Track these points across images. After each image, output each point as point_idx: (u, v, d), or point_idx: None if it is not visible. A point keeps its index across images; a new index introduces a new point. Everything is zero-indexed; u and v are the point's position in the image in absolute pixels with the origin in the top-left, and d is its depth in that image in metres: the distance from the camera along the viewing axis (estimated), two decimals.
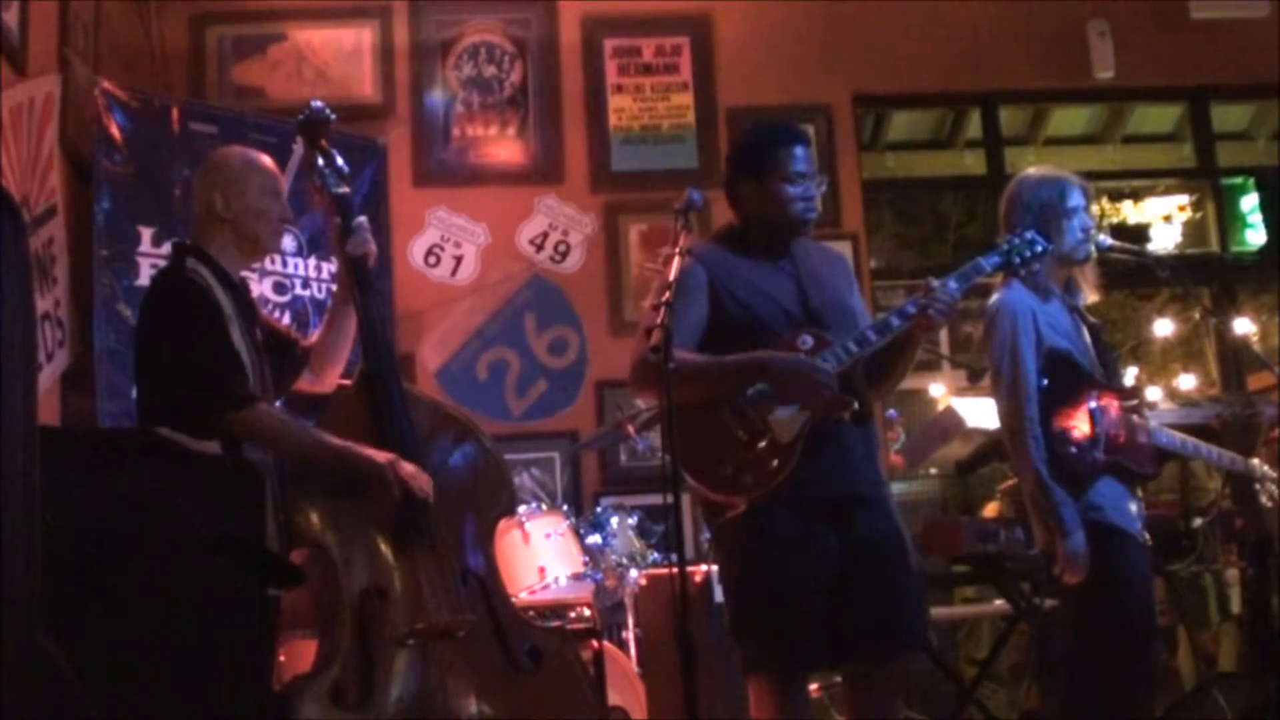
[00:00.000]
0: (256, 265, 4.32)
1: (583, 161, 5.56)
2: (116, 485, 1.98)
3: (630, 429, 4.30)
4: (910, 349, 2.89)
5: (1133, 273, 4.84)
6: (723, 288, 2.87)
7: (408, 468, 2.75)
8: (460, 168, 5.51)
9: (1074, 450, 3.07)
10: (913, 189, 7.76)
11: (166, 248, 4.35)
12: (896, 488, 6.62)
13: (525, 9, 5.63)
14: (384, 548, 2.76)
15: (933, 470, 7.03)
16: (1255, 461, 3.62)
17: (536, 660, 2.81)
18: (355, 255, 2.97)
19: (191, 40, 5.37)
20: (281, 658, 3.05)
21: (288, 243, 4.68)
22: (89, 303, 4.29)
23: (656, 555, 4.25)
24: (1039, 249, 3.02)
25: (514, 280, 5.45)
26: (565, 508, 4.39)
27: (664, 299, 2.57)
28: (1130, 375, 7.58)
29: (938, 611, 4.98)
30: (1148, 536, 3.27)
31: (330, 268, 4.76)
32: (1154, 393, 6.93)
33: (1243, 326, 6.24)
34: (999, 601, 4.75)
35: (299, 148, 3.18)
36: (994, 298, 3.31)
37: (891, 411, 6.29)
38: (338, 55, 5.49)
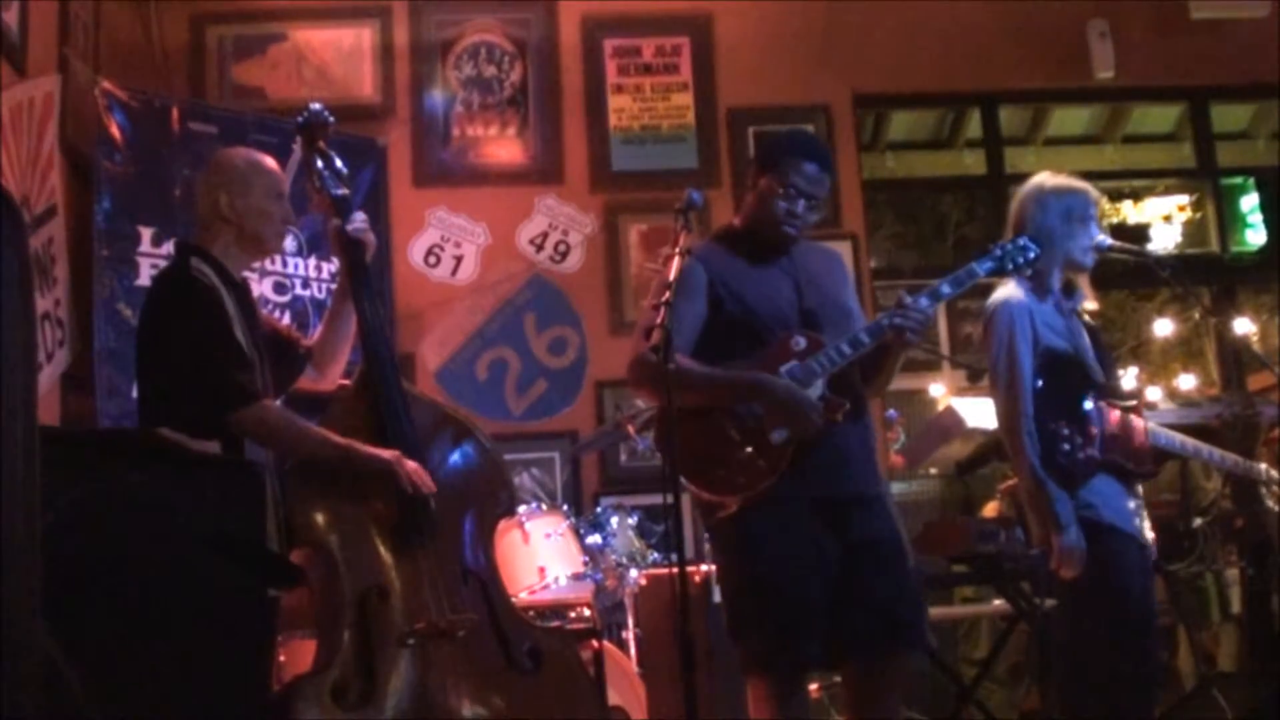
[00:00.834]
0: (256, 265, 4.32)
1: (583, 161, 5.56)
2: (116, 485, 1.98)
3: (630, 429, 4.30)
4: (892, 357, 2.92)
5: (1133, 273, 4.85)
6: (722, 287, 2.88)
7: (412, 464, 2.76)
8: (460, 168, 5.51)
9: (1067, 447, 3.09)
10: (913, 189, 7.76)
11: (166, 248, 4.36)
12: (896, 488, 6.63)
13: (525, 9, 5.63)
14: (384, 548, 2.76)
15: (933, 470, 7.03)
16: (1263, 466, 3.62)
17: (536, 660, 2.82)
18: (355, 240, 2.97)
19: (191, 40, 5.37)
20: (281, 658, 3.05)
21: (288, 243, 4.67)
22: (89, 303, 4.29)
23: (656, 555, 4.25)
24: (1031, 254, 3.05)
25: (514, 280, 5.45)
26: (565, 508, 4.39)
27: (664, 299, 2.58)
28: (1130, 375, 7.59)
29: (937, 611, 4.99)
30: (1148, 535, 3.28)
31: (330, 268, 4.76)
32: (1154, 393, 6.93)
33: (1243, 326, 6.24)
34: (998, 601, 4.76)
35: (298, 149, 3.18)
36: (993, 297, 3.34)
37: (891, 411, 6.29)
38: (338, 55, 5.49)
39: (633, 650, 4.14)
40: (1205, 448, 3.46)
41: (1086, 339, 3.34)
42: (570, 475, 5.29)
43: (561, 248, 5.49)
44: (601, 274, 5.48)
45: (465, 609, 2.75)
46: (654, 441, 3.43)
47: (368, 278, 3.00)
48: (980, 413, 4.67)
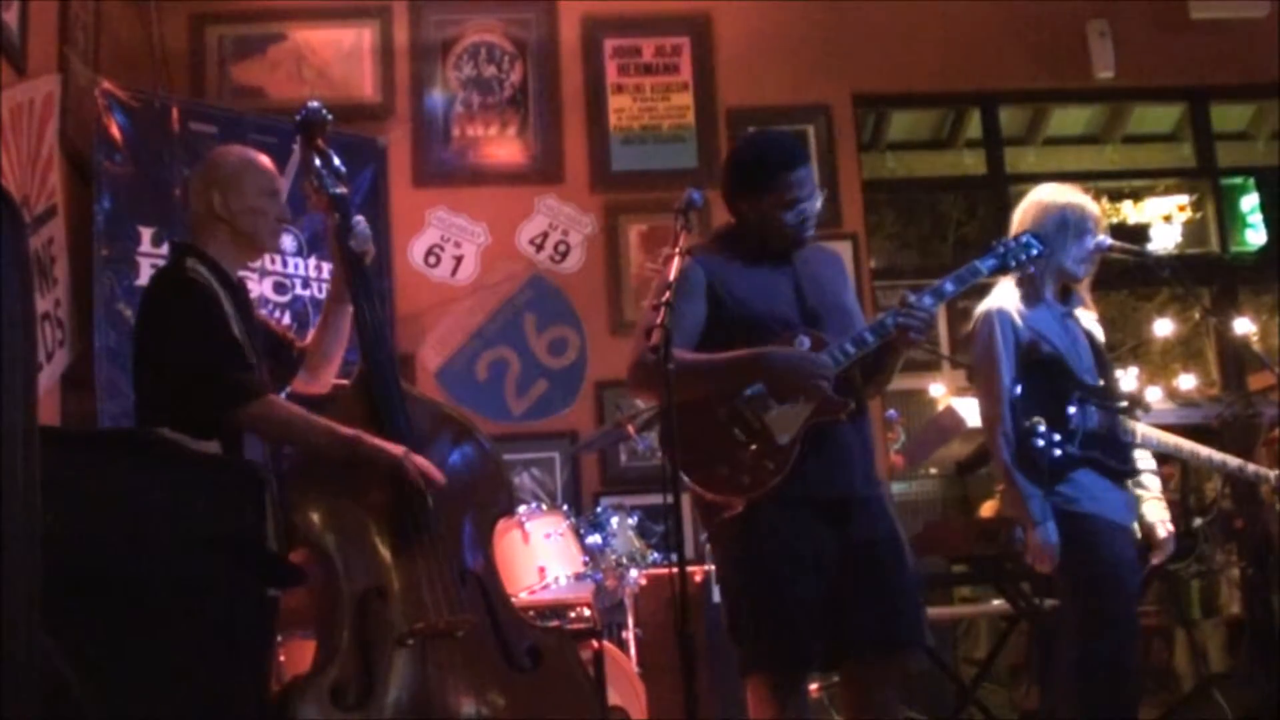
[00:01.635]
0: (256, 265, 4.33)
1: (583, 161, 5.56)
2: (116, 485, 1.98)
3: (630, 429, 4.30)
4: (894, 356, 2.92)
5: (1133, 273, 4.85)
6: (722, 287, 2.87)
7: (421, 459, 2.76)
8: (460, 168, 5.51)
9: (1041, 444, 3.15)
10: (913, 189, 7.77)
11: (166, 248, 4.36)
12: (896, 488, 6.64)
13: (525, 9, 5.63)
14: (383, 548, 2.76)
15: (933, 470, 7.04)
16: (1251, 466, 3.63)
17: (536, 660, 2.82)
18: (356, 252, 2.97)
19: (191, 40, 5.37)
20: (281, 658, 3.05)
21: (288, 243, 4.68)
22: (89, 303, 4.29)
23: (656, 555, 4.25)
24: (1034, 252, 3.06)
25: (514, 280, 5.45)
26: (565, 508, 4.39)
27: (664, 299, 2.58)
28: (1130, 375, 7.59)
29: (937, 611, 4.99)
30: (1168, 524, 3.37)
31: (330, 267, 4.76)
32: (1154, 393, 6.93)
33: (1243, 326, 6.24)
34: (998, 601, 4.76)
35: (297, 148, 3.17)
36: (982, 303, 3.44)
37: (891, 411, 6.29)
38: (338, 55, 5.49)
39: (633, 650, 4.14)
40: (1202, 450, 3.48)
41: (1083, 342, 3.37)
42: (570, 475, 5.29)
43: (561, 248, 5.49)
44: (601, 274, 5.48)
45: (464, 609, 2.75)
46: (657, 441, 3.43)
47: (366, 277, 3.00)
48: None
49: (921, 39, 5.76)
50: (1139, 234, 7.45)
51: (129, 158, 4.44)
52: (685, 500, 2.84)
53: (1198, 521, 4.52)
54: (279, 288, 4.77)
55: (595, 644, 3.53)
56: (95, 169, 4.36)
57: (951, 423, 5.00)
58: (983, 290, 3.45)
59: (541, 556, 4.04)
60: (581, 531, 4.21)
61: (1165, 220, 7.87)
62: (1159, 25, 5.92)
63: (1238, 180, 6.74)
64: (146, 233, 4.44)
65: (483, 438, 3.05)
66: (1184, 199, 7.72)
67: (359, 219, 3.03)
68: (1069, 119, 7.12)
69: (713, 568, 3.88)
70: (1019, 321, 3.31)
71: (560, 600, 3.98)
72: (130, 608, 1.92)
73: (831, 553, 2.77)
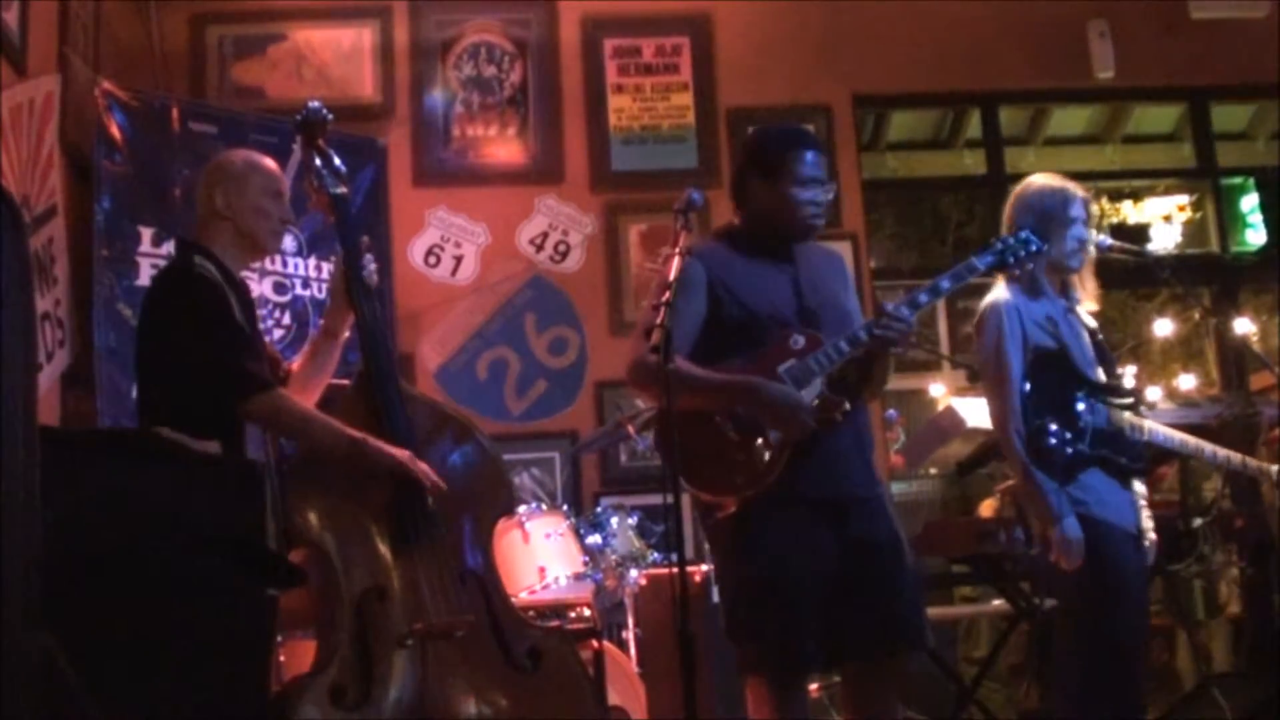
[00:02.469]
0: (256, 265, 4.32)
1: (583, 161, 5.57)
2: (116, 485, 1.98)
3: (630, 429, 4.30)
4: (882, 361, 2.92)
5: (1133, 273, 4.84)
6: (721, 285, 2.88)
7: (424, 466, 2.76)
8: (460, 168, 5.51)
9: (1054, 442, 3.12)
10: (913, 189, 7.76)
11: (166, 248, 4.36)
12: (896, 488, 6.63)
13: (525, 9, 5.63)
14: (383, 548, 2.76)
15: (933, 470, 7.03)
16: (1255, 463, 3.61)
17: (536, 660, 2.81)
18: (368, 280, 2.97)
19: (191, 40, 5.37)
20: (281, 658, 3.05)
21: (288, 243, 4.67)
22: (89, 303, 4.29)
23: (656, 555, 4.25)
24: (1033, 248, 3.06)
25: (514, 280, 5.45)
26: (565, 508, 4.39)
27: (664, 298, 2.58)
28: (1130, 375, 7.58)
29: (937, 611, 4.98)
30: (1151, 531, 3.29)
31: (330, 267, 4.75)
32: (1154, 393, 6.93)
33: (1243, 326, 6.24)
34: (998, 601, 4.76)
35: (297, 148, 3.17)
36: (985, 299, 3.38)
37: (891, 411, 6.30)
38: (338, 55, 5.49)
39: (633, 650, 4.14)
40: (1207, 446, 3.46)
41: (1085, 338, 3.35)
42: (570, 475, 5.29)
43: (561, 248, 5.49)
44: (601, 274, 5.49)
45: (464, 609, 2.75)
46: (654, 442, 3.43)
47: (369, 284, 3.00)
48: (980, 413, 4.66)
49: (921, 39, 5.76)
50: (1139, 234, 7.43)
51: (129, 158, 4.44)
52: (685, 500, 2.84)
53: (1198, 521, 4.52)
54: (279, 288, 4.77)
55: (595, 644, 3.54)
56: (95, 169, 4.36)
57: (951, 423, 4.99)
58: (982, 289, 3.44)
59: (541, 556, 4.04)
60: (581, 531, 4.21)
61: (1165, 220, 7.86)
62: (1159, 25, 5.92)
63: (1238, 180, 6.73)
64: (146, 233, 4.44)
65: (483, 438, 3.05)
66: (1184, 199, 7.72)
67: (370, 262, 3.01)
68: (1069, 119, 7.11)
69: (712, 567, 3.88)
70: (1024, 316, 3.26)
71: (560, 600, 3.98)
72: (130, 607, 1.92)
73: (831, 553, 2.77)
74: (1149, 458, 3.37)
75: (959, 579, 4.98)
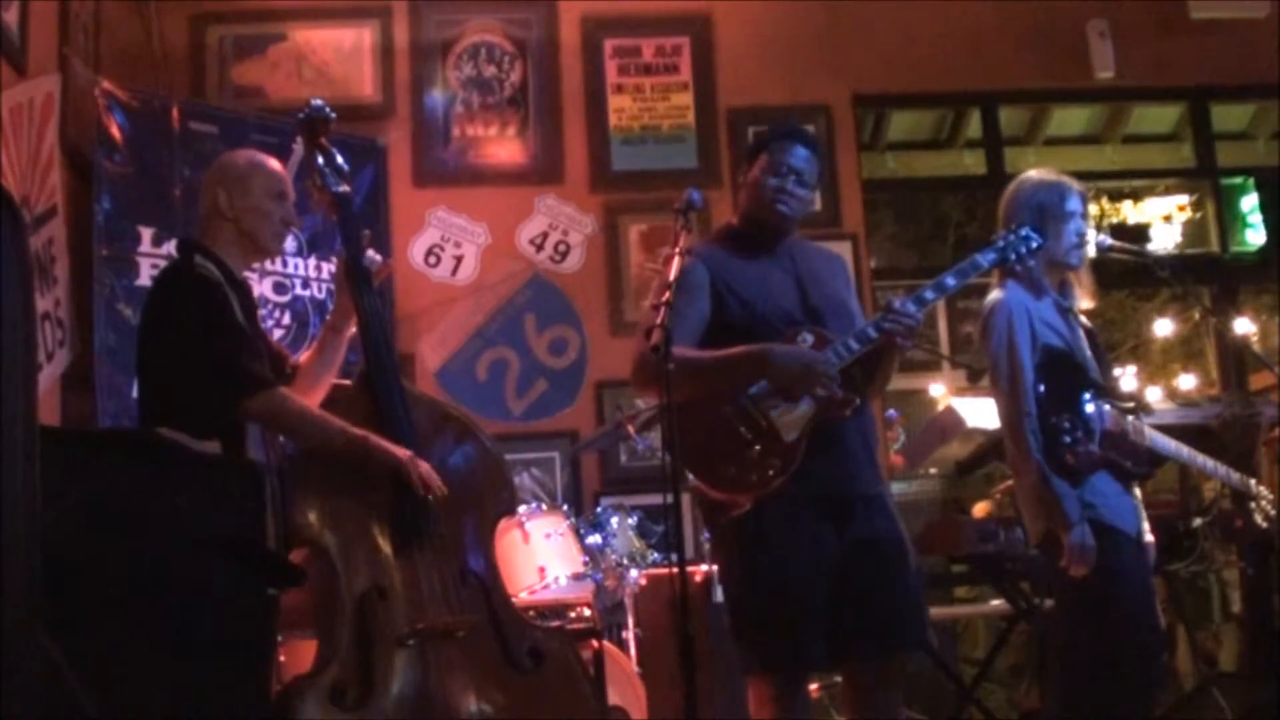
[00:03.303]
0: (256, 265, 4.32)
1: (583, 161, 5.56)
2: (116, 485, 1.98)
3: (630, 429, 4.30)
4: (888, 358, 2.92)
5: (1133, 273, 4.85)
6: (724, 286, 2.88)
7: (425, 465, 2.76)
8: (460, 168, 5.51)
9: (1069, 440, 3.07)
10: (913, 189, 7.75)
11: (166, 248, 4.36)
12: (896, 488, 6.62)
13: (525, 9, 5.63)
14: (384, 547, 2.76)
15: (933, 470, 7.02)
16: (1252, 482, 3.60)
17: (536, 660, 2.81)
18: (366, 272, 2.97)
19: (191, 40, 5.36)
20: (281, 658, 3.05)
21: (288, 243, 4.66)
22: (89, 303, 4.29)
23: (656, 555, 4.25)
24: (1034, 244, 3.05)
25: (514, 280, 5.45)
26: (565, 508, 4.39)
27: (664, 298, 2.58)
28: (1130, 375, 7.58)
29: (937, 611, 4.99)
30: (1149, 533, 3.27)
31: (330, 267, 4.76)
32: (1154, 393, 6.92)
33: (1243, 326, 6.24)
34: (998, 601, 4.76)
35: (299, 147, 3.18)
36: (990, 296, 3.32)
37: (891, 411, 6.28)
38: (338, 55, 5.49)
39: (633, 650, 4.14)
40: (1200, 457, 3.42)
41: (1083, 338, 3.33)
42: (570, 475, 5.29)
43: (561, 248, 5.49)
44: (601, 274, 5.49)
45: (465, 609, 2.75)
46: (660, 440, 3.43)
47: (371, 283, 3.00)
48: (980, 413, 4.68)
49: (921, 39, 5.76)
50: (1139, 234, 7.44)
51: (129, 158, 4.44)
52: (685, 500, 2.84)
53: (1198, 521, 4.52)
54: (279, 288, 4.77)
55: (595, 644, 3.54)
56: (95, 169, 4.35)
57: (951, 423, 4.99)
58: (982, 289, 3.43)
59: (541, 556, 4.04)
60: (581, 531, 4.21)
61: (1165, 220, 7.85)
62: (1159, 25, 5.92)
63: (1238, 180, 6.72)
64: (146, 233, 4.44)
65: (484, 437, 3.06)
66: (1184, 199, 7.71)
67: (369, 248, 3.02)
68: (1069, 119, 7.11)
69: (713, 567, 3.88)
70: (1032, 314, 3.21)
71: (560, 600, 3.98)
72: (130, 608, 1.92)
73: (834, 552, 2.77)
74: (1151, 462, 3.34)
75: (959, 579, 4.99)
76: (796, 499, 2.75)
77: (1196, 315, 7.32)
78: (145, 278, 4.32)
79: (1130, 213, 8.00)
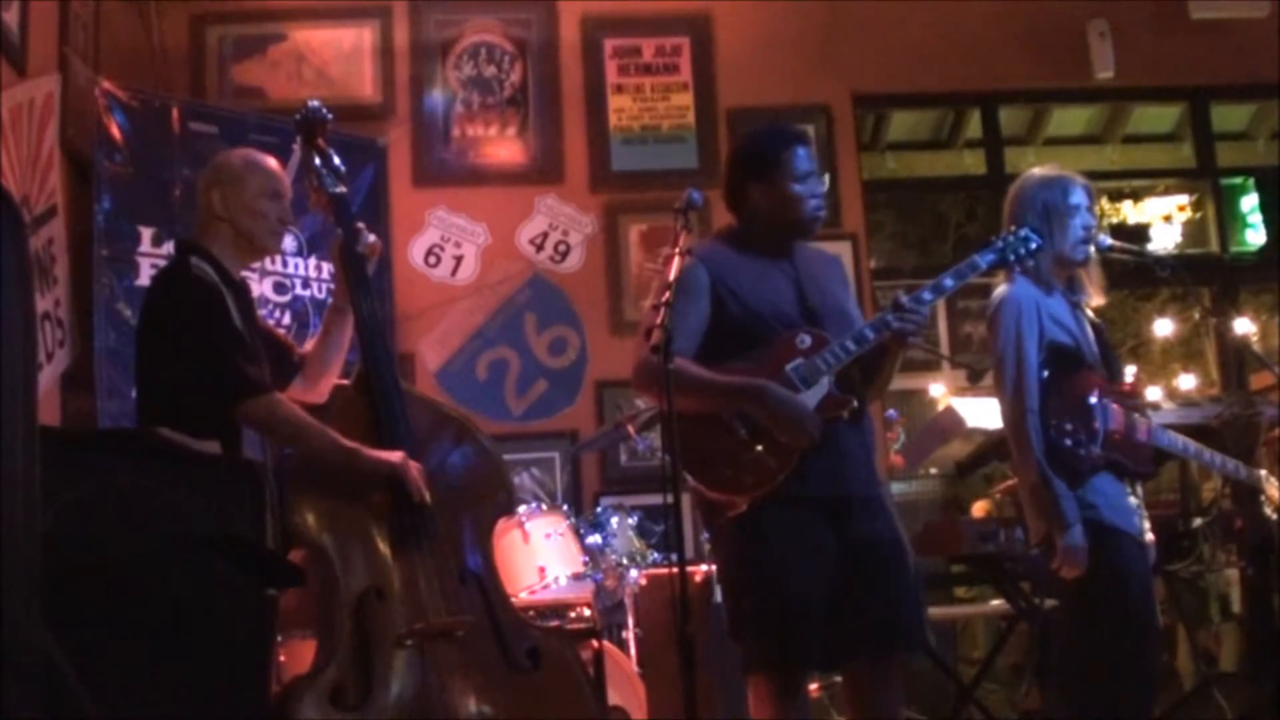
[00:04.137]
0: (256, 265, 4.32)
1: (583, 161, 5.57)
2: (116, 485, 1.98)
3: (630, 429, 4.30)
4: (891, 357, 2.92)
5: (1133, 273, 4.84)
6: (724, 287, 2.88)
7: (416, 466, 2.76)
8: (460, 168, 5.52)
9: (1070, 443, 3.05)
10: (913, 189, 7.76)
11: (166, 248, 4.36)
12: (896, 488, 6.63)
13: (525, 9, 5.63)
14: (382, 548, 2.76)
15: (933, 470, 7.02)
16: (1262, 472, 3.58)
17: (536, 660, 2.81)
18: (360, 253, 2.98)
19: (191, 40, 5.37)
20: (281, 658, 3.05)
21: (288, 243, 4.67)
22: (89, 303, 4.29)
23: (656, 555, 4.25)
24: (1033, 245, 3.04)
25: (514, 280, 5.45)
26: (565, 508, 4.39)
27: (664, 299, 2.58)
28: (1129, 375, 7.57)
29: (937, 611, 4.99)
30: (1149, 533, 3.26)
31: (330, 268, 4.75)
32: (1154, 393, 6.92)
33: (1243, 326, 6.23)
34: (998, 601, 4.76)
35: (297, 148, 3.18)
36: (998, 291, 3.28)
37: (891, 411, 6.29)
38: (338, 55, 5.49)
39: (633, 650, 4.14)
40: (1206, 451, 3.41)
41: (1091, 335, 3.31)
42: (570, 475, 5.29)
43: (561, 248, 5.49)
44: (601, 274, 5.49)
45: (464, 609, 2.75)
46: (660, 442, 3.43)
47: (367, 279, 3.01)
48: (980, 413, 4.67)
49: (921, 39, 5.76)
50: (1139, 234, 7.44)
51: (129, 158, 4.44)
52: (685, 500, 2.84)
53: (1198, 521, 4.52)
54: (279, 288, 4.77)
55: (595, 644, 3.53)
56: (95, 169, 4.36)
57: (951, 423, 4.98)
58: (984, 288, 3.42)
59: (541, 556, 4.04)
60: (581, 531, 4.21)
61: (1165, 220, 7.86)
62: (1159, 25, 5.92)
63: (1238, 180, 6.73)
64: (146, 233, 4.44)
65: (483, 437, 3.05)
66: (1184, 199, 7.71)
67: (363, 229, 3.04)
68: (1069, 119, 7.12)
69: (713, 568, 3.88)
70: (1041, 309, 3.17)
71: (560, 600, 3.98)
72: (130, 607, 1.92)
73: (833, 553, 2.78)
74: (1153, 461, 3.33)
75: (958, 579, 4.99)
76: (794, 500, 2.75)
77: (1196, 315, 7.31)
78: (145, 278, 4.32)
79: (1130, 213, 8.01)
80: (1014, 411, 3.16)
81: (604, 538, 4.18)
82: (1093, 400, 3.11)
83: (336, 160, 3.09)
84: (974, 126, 6.49)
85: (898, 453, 6.49)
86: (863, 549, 2.79)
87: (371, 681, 2.61)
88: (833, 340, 2.81)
